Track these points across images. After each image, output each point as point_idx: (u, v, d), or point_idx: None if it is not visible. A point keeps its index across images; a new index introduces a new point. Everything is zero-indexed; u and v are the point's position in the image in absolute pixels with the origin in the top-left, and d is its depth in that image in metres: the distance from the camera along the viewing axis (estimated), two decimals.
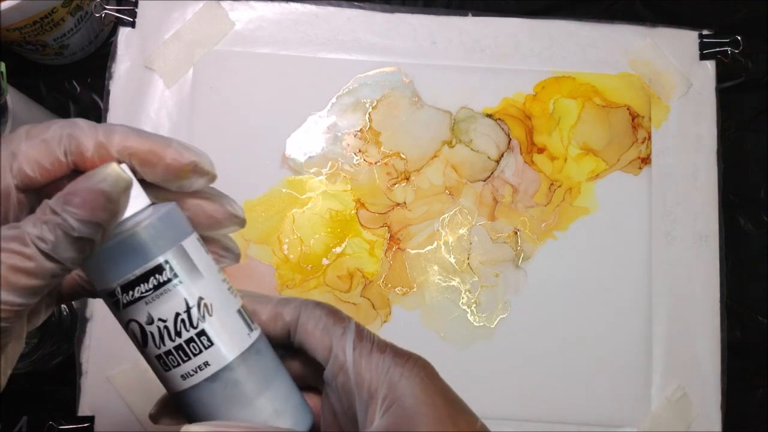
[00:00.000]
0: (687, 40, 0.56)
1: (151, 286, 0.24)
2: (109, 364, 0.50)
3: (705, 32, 0.56)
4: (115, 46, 0.53)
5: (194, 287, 0.24)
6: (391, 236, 0.52)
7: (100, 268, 0.24)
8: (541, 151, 0.54)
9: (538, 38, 0.55)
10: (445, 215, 0.53)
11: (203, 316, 0.24)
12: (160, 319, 0.24)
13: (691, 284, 0.53)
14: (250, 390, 0.25)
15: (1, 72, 0.42)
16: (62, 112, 0.55)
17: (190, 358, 0.24)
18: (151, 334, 0.24)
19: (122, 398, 0.49)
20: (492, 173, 0.53)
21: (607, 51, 0.55)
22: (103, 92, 0.53)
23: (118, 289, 0.24)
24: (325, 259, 0.51)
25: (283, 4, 0.54)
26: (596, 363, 0.51)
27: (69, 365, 0.50)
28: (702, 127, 0.55)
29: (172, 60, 0.53)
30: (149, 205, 0.25)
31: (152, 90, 0.53)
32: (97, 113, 0.55)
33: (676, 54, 0.55)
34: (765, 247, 0.56)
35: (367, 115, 0.53)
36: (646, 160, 0.54)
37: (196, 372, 0.24)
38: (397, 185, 0.53)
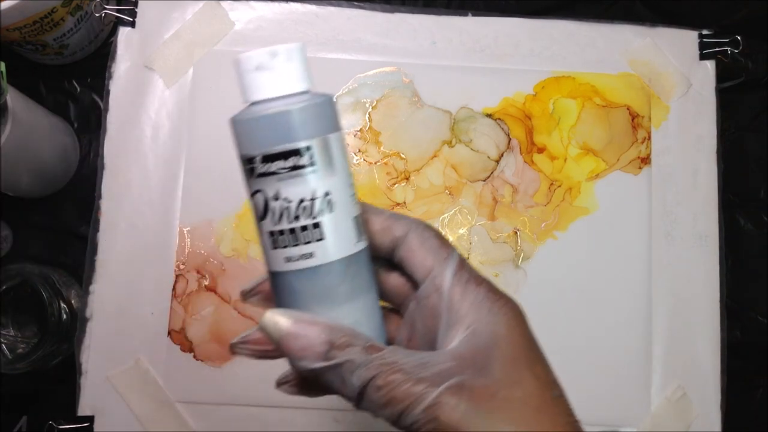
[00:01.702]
0: (687, 40, 0.56)
1: (288, 165, 0.25)
2: (109, 364, 0.50)
3: (705, 32, 0.56)
4: (115, 46, 0.53)
5: (325, 181, 0.25)
6: None
7: (249, 133, 0.25)
8: (541, 151, 0.54)
9: (538, 38, 0.55)
10: (445, 215, 0.53)
11: (323, 210, 0.25)
12: (285, 199, 0.25)
13: (691, 284, 0.53)
14: (340, 294, 0.26)
15: (1, 72, 0.42)
16: (62, 112, 0.55)
17: (298, 245, 0.25)
18: (273, 209, 0.25)
19: (122, 398, 0.49)
20: (492, 173, 0.53)
21: (607, 51, 0.55)
22: (103, 92, 0.53)
23: (259, 157, 0.25)
24: None
25: (283, 4, 0.54)
26: (596, 363, 0.51)
27: (69, 365, 0.50)
28: (702, 127, 0.55)
29: (172, 60, 0.53)
30: (307, 90, 0.26)
31: (152, 90, 0.53)
32: (97, 113, 0.55)
33: (676, 54, 0.55)
34: (765, 247, 0.56)
35: (367, 115, 0.53)
36: (646, 160, 0.54)
37: (299, 259, 0.25)
38: (397, 185, 0.53)
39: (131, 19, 0.53)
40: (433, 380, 0.23)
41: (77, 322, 0.50)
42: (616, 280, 0.52)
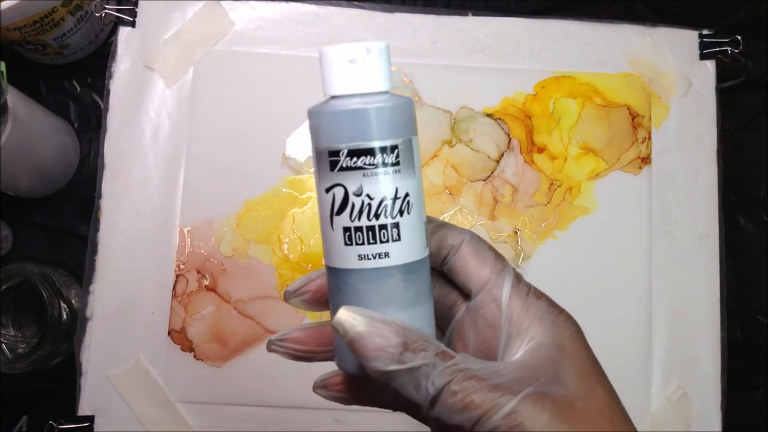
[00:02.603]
0: (687, 39, 0.56)
1: (376, 161, 0.25)
2: (109, 364, 0.50)
3: (705, 32, 0.56)
4: (115, 46, 0.53)
5: (407, 181, 0.25)
6: None
7: (336, 125, 0.25)
8: (541, 150, 0.54)
9: (538, 38, 0.55)
10: (445, 215, 0.53)
11: (402, 211, 0.25)
12: (368, 195, 0.25)
13: (691, 284, 0.53)
14: (405, 298, 0.26)
15: (1, 72, 0.42)
16: (62, 112, 0.55)
17: (374, 243, 0.25)
18: (353, 205, 0.25)
19: (122, 398, 0.49)
20: (492, 173, 0.53)
21: (607, 51, 0.55)
22: (103, 92, 0.52)
23: (345, 150, 0.25)
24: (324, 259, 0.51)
25: (283, 4, 0.54)
26: None
27: (69, 365, 0.50)
28: (702, 127, 0.55)
29: (172, 60, 0.53)
30: (389, 90, 0.26)
31: (152, 90, 0.53)
32: (97, 113, 0.55)
33: (676, 54, 0.55)
34: (765, 247, 0.56)
35: None
36: (646, 160, 0.54)
37: (375, 258, 0.25)
38: None
39: (131, 19, 0.53)
40: (510, 387, 0.23)
41: (77, 322, 0.50)
42: (616, 280, 0.52)
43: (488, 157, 0.53)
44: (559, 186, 0.53)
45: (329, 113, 0.25)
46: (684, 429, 0.51)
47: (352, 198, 0.25)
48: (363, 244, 0.25)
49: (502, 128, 0.54)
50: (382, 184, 0.25)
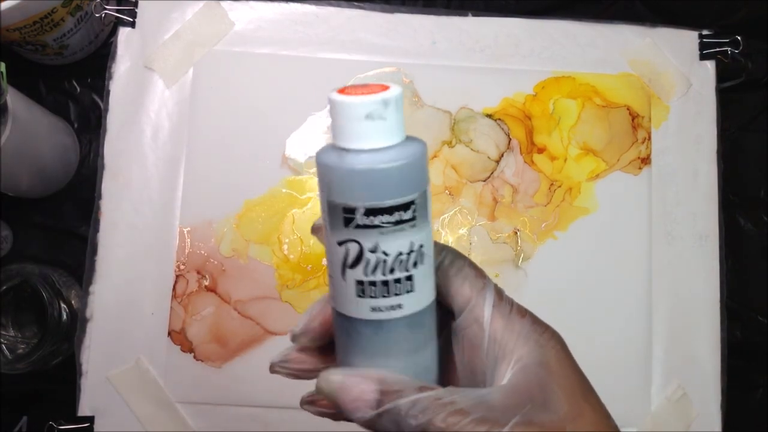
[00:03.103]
0: (687, 40, 0.56)
1: (393, 219, 0.24)
2: (109, 364, 0.50)
3: (705, 32, 0.56)
4: (115, 46, 0.53)
5: (421, 233, 0.25)
6: None
7: (352, 183, 0.24)
8: (541, 151, 0.54)
9: (538, 38, 0.55)
10: (445, 215, 0.53)
11: (416, 263, 0.25)
12: (384, 252, 0.24)
13: (691, 284, 0.53)
14: (416, 342, 0.26)
15: (1, 72, 0.42)
16: (62, 112, 0.55)
17: (388, 296, 0.25)
18: (368, 261, 0.24)
19: (122, 398, 0.49)
20: (492, 173, 0.53)
21: (607, 51, 0.55)
22: (103, 92, 0.52)
23: (362, 209, 0.24)
24: (325, 259, 0.51)
25: (283, 4, 0.54)
26: (596, 363, 0.51)
27: (69, 365, 0.50)
28: (702, 127, 0.55)
29: (172, 60, 0.53)
30: (405, 140, 0.25)
31: (152, 90, 0.53)
32: (97, 113, 0.55)
33: (676, 54, 0.55)
34: (765, 247, 0.56)
35: None
36: (646, 160, 0.54)
37: (388, 310, 0.25)
38: None
39: (131, 20, 0.53)
40: (497, 419, 0.23)
41: (77, 322, 0.50)
42: (616, 280, 0.52)
43: (488, 157, 0.53)
44: (559, 186, 0.53)
45: (346, 171, 0.24)
46: (684, 429, 0.51)
47: (367, 254, 0.24)
48: (376, 297, 0.25)
49: (502, 129, 0.54)
50: (398, 240, 0.24)
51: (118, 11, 0.53)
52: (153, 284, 0.51)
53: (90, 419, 0.49)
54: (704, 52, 0.56)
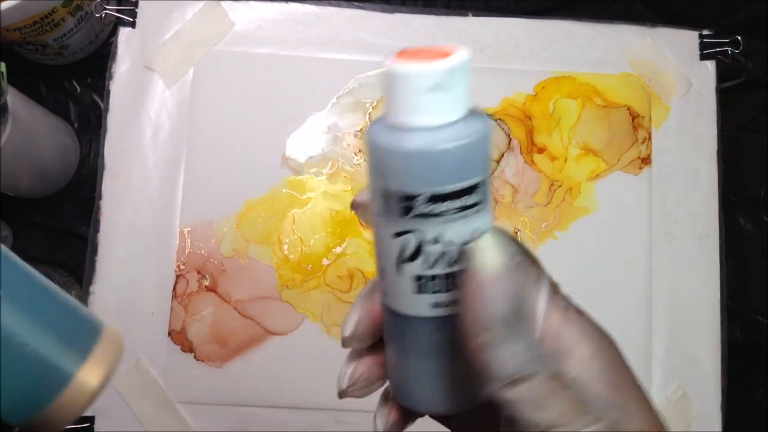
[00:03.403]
0: (687, 40, 0.56)
1: (458, 206, 0.21)
2: None
3: (705, 32, 0.56)
4: (115, 46, 0.53)
5: (484, 218, 0.21)
6: None
7: (412, 167, 0.20)
8: (541, 151, 0.54)
9: (538, 38, 0.55)
10: None
11: None
12: (448, 242, 0.21)
13: (691, 284, 0.53)
14: None
15: (1, 72, 0.42)
16: (62, 112, 0.55)
17: (451, 290, 0.22)
18: (429, 253, 0.21)
19: (122, 398, 0.49)
20: (492, 173, 0.53)
21: (607, 51, 0.55)
22: (103, 92, 0.53)
23: (423, 197, 0.20)
24: (325, 259, 0.51)
25: (283, 4, 0.54)
26: None
27: None
28: (702, 127, 0.55)
29: (172, 60, 0.53)
30: (468, 112, 0.21)
31: (152, 90, 0.53)
32: (97, 113, 0.55)
33: (676, 54, 0.55)
34: (765, 247, 0.56)
35: (368, 115, 0.53)
36: (646, 160, 0.54)
37: (451, 306, 0.22)
38: None
39: (131, 20, 0.53)
40: (593, 412, 0.21)
41: None
42: (616, 280, 0.52)
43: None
44: (560, 186, 0.53)
45: (406, 153, 0.20)
46: (684, 429, 0.51)
47: (428, 246, 0.21)
48: (437, 292, 0.22)
49: (502, 129, 0.54)
50: (462, 228, 0.21)
51: (118, 11, 0.53)
52: (153, 284, 0.51)
53: (90, 419, 0.49)
54: (704, 52, 0.56)
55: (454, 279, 0.21)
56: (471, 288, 0.21)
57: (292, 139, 0.53)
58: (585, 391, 0.21)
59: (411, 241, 0.21)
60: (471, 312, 0.21)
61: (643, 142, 0.54)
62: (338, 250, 0.52)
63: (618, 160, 0.54)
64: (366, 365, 0.26)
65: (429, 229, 0.21)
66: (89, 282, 0.50)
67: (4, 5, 0.45)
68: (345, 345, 0.25)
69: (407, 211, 0.21)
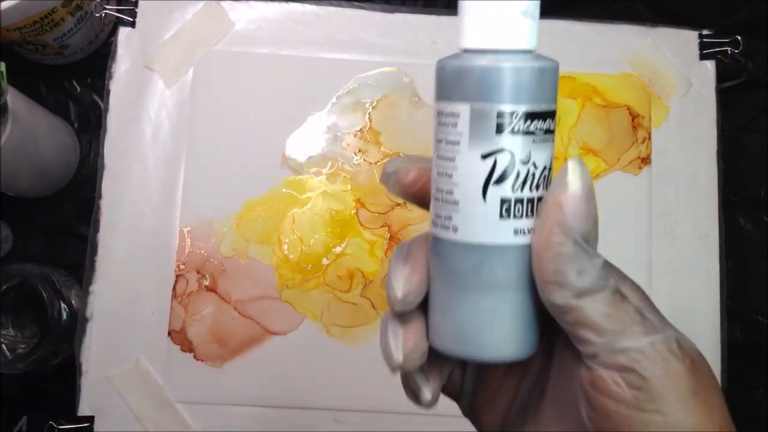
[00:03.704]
0: (687, 40, 0.56)
1: (545, 127, 0.23)
2: (109, 364, 0.50)
3: (705, 32, 0.56)
4: (115, 46, 0.53)
5: (553, 149, 0.23)
6: (391, 236, 0.52)
7: (514, 84, 0.22)
8: None
9: (538, 38, 0.55)
10: None
11: (550, 181, 0.23)
12: (534, 163, 0.22)
13: (691, 284, 0.53)
14: None
15: (1, 72, 0.42)
16: (62, 112, 0.55)
17: (532, 216, 0.23)
18: (518, 173, 0.22)
19: (122, 398, 0.49)
20: None
21: (607, 51, 0.55)
22: (103, 92, 0.52)
23: (520, 113, 0.22)
24: (325, 259, 0.51)
25: (283, 4, 0.54)
26: None
27: (69, 365, 0.50)
28: (702, 127, 0.55)
29: (172, 60, 0.53)
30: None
31: (152, 90, 0.53)
32: (97, 113, 0.55)
33: (676, 54, 0.55)
34: (765, 247, 0.56)
35: (367, 115, 0.53)
36: (646, 160, 0.54)
37: (529, 233, 0.23)
38: None
39: (131, 19, 0.53)
40: (656, 324, 0.23)
41: (77, 322, 0.50)
42: None
43: None
44: None
45: (509, 70, 0.22)
46: None
47: (518, 166, 0.22)
48: (521, 217, 0.23)
49: None
50: (547, 151, 0.23)
51: (118, 11, 0.53)
52: (153, 284, 0.51)
53: (90, 419, 0.49)
54: (704, 52, 0.56)
55: (533, 206, 0.23)
56: (558, 203, 0.22)
57: (292, 139, 0.53)
58: (643, 311, 0.23)
59: (503, 160, 0.22)
60: (554, 225, 0.22)
61: (642, 142, 0.54)
62: (338, 249, 0.52)
63: (618, 160, 0.54)
64: (416, 333, 0.24)
65: (520, 149, 0.22)
66: (89, 282, 0.50)
67: (4, 5, 0.45)
68: (398, 307, 0.24)
69: (502, 128, 0.22)
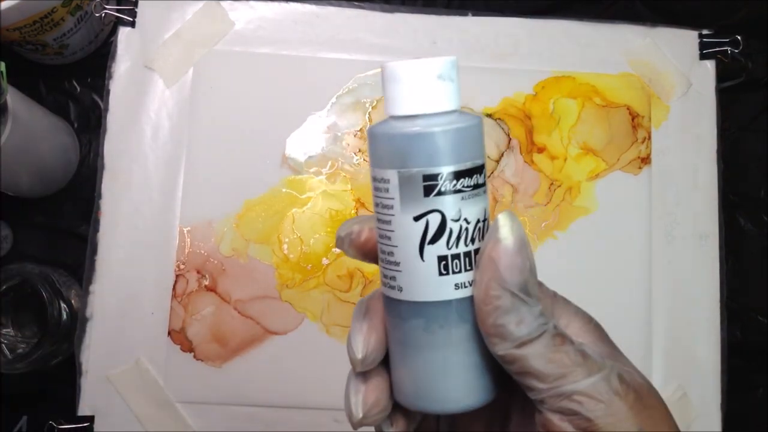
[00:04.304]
0: (687, 39, 0.56)
1: (473, 183, 0.23)
2: (109, 364, 0.50)
3: (705, 32, 0.56)
4: (115, 46, 0.53)
5: (486, 200, 0.24)
6: None
7: (436, 145, 0.23)
8: (541, 150, 0.54)
9: (538, 38, 0.55)
10: None
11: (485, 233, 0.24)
12: (465, 219, 0.23)
13: (691, 284, 0.53)
14: None
15: (1, 72, 0.42)
16: (62, 112, 0.55)
17: (470, 269, 0.24)
18: (450, 231, 0.23)
19: (122, 398, 0.49)
20: (492, 173, 0.53)
21: (607, 51, 0.55)
22: (103, 92, 0.53)
23: (444, 174, 0.23)
24: (325, 258, 0.51)
25: (283, 4, 0.54)
26: None
27: (69, 365, 0.50)
28: (702, 127, 0.55)
29: (172, 60, 0.53)
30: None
31: (152, 90, 0.53)
32: (97, 113, 0.55)
33: (676, 54, 0.55)
34: (765, 247, 0.56)
35: (367, 115, 0.53)
36: (646, 160, 0.54)
37: (470, 286, 0.24)
38: None
39: (131, 19, 0.53)
40: (596, 361, 0.23)
41: (77, 322, 0.50)
42: (616, 280, 0.52)
43: (488, 157, 0.53)
44: (559, 186, 0.53)
45: (428, 134, 0.23)
46: (684, 429, 0.51)
47: (450, 224, 0.23)
48: (460, 272, 0.24)
49: (502, 128, 0.54)
50: (479, 204, 0.24)
51: (118, 11, 0.53)
52: (153, 284, 0.51)
53: (90, 419, 0.49)
54: (704, 51, 0.56)
55: (470, 259, 0.23)
56: (492, 258, 0.23)
57: (292, 139, 0.53)
58: (585, 348, 0.23)
59: (434, 220, 0.23)
60: (490, 280, 0.23)
61: (642, 142, 0.54)
62: (338, 249, 0.52)
63: (618, 159, 0.54)
64: (376, 389, 0.25)
65: (450, 207, 0.23)
66: (89, 282, 0.50)
67: (4, 5, 0.45)
68: (359, 368, 0.25)
69: (430, 190, 0.23)
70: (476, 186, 0.23)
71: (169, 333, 0.50)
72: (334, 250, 0.52)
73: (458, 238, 0.23)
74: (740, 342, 0.55)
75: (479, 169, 0.24)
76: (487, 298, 0.23)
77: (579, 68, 0.55)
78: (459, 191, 0.23)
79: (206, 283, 0.51)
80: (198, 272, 0.51)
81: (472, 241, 0.24)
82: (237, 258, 0.51)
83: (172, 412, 0.49)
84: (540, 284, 0.25)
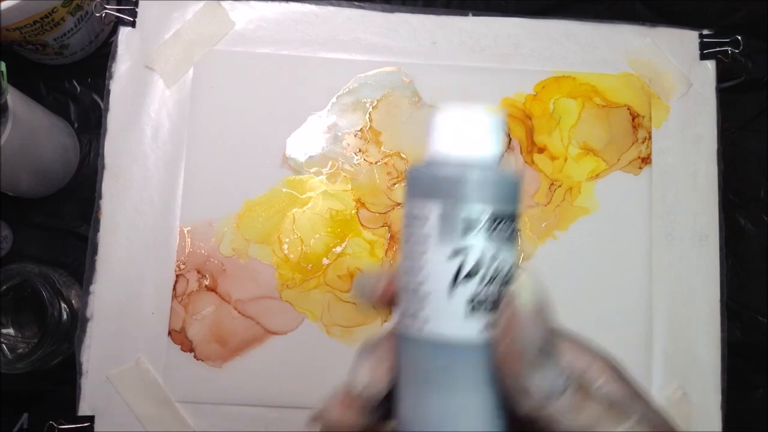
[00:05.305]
0: (687, 39, 0.56)
1: (511, 228, 0.24)
2: (109, 364, 0.50)
3: (705, 32, 0.56)
4: (115, 46, 0.53)
5: (518, 248, 0.25)
6: (391, 236, 0.52)
7: (482, 189, 0.24)
8: (541, 150, 0.54)
9: (538, 38, 0.55)
10: None
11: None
12: (498, 262, 0.24)
13: (691, 284, 0.53)
14: None
15: (1, 72, 0.42)
16: (62, 112, 0.55)
17: (494, 313, 0.24)
18: (486, 270, 0.24)
19: (122, 398, 0.49)
20: None
21: (607, 51, 0.55)
22: (103, 92, 0.53)
23: (487, 215, 0.24)
24: (325, 258, 0.51)
25: (283, 4, 0.54)
26: None
27: (69, 365, 0.50)
28: (702, 127, 0.55)
29: (172, 60, 0.53)
30: None
31: (152, 90, 0.53)
32: (97, 113, 0.55)
33: (676, 54, 0.55)
34: (765, 247, 0.56)
35: (368, 115, 0.53)
36: (646, 160, 0.54)
37: (490, 330, 0.24)
38: (397, 185, 0.53)
39: (131, 19, 0.53)
40: (623, 410, 0.24)
41: (77, 322, 0.50)
42: (616, 280, 0.52)
43: None
44: (559, 186, 0.53)
45: (477, 177, 0.24)
46: (684, 429, 0.51)
47: (487, 264, 0.24)
48: (488, 314, 0.24)
49: (502, 128, 0.54)
50: (510, 252, 0.24)
51: (118, 11, 0.53)
52: (153, 284, 0.51)
53: (90, 419, 0.49)
54: (704, 52, 0.56)
55: (497, 303, 0.24)
56: (513, 319, 0.23)
57: (292, 139, 0.53)
58: (609, 396, 0.24)
59: (471, 259, 0.24)
60: (512, 344, 0.23)
61: (643, 142, 0.54)
62: (338, 249, 0.52)
63: (618, 159, 0.54)
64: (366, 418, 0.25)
65: (488, 247, 0.24)
66: (89, 282, 0.50)
67: (4, 5, 0.45)
68: (358, 400, 0.25)
69: (469, 229, 0.24)
70: (513, 231, 0.24)
71: (169, 333, 0.50)
72: (334, 249, 0.52)
73: (492, 279, 0.24)
74: (740, 342, 0.55)
75: (517, 217, 0.25)
76: (508, 357, 0.23)
77: (579, 68, 0.55)
78: (498, 232, 0.24)
79: (206, 283, 0.51)
80: (198, 272, 0.51)
81: (506, 283, 0.24)
82: (237, 258, 0.51)
83: (173, 412, 0.49)
84: (556, 332, 0.25)
